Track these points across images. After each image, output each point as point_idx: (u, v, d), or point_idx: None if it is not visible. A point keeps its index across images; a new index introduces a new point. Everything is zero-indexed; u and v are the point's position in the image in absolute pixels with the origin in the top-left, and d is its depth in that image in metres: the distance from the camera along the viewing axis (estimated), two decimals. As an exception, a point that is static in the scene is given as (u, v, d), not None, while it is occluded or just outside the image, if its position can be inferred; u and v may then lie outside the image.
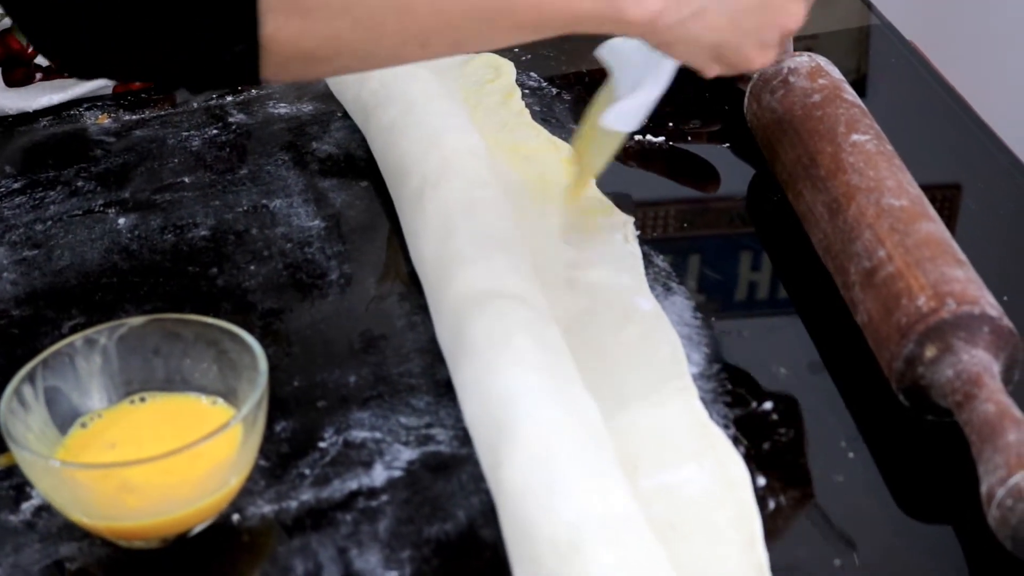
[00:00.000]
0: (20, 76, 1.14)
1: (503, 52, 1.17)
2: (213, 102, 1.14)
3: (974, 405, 0.76)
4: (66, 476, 0.75)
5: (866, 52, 1.18)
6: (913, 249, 0.83)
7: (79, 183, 1.05)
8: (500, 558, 0.74)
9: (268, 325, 0.91)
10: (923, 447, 0.81)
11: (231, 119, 1.12)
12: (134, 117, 1.13)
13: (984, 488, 0.73)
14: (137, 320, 0.81)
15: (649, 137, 1.08)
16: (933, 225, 0.86)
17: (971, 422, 0.76)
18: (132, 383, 0.81)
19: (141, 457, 0.74)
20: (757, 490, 0.78)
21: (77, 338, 0.80)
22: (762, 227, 1.00)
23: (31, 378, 0.78)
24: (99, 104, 1.14)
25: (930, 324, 0.79)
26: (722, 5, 0.82)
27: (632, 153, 1.06)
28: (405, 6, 0.76)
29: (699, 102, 1.11)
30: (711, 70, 0.85)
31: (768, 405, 0.84)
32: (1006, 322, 0.80)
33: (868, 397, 0.84)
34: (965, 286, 0.81)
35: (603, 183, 1.01)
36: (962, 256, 0.84)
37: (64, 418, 0.79)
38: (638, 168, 1.05)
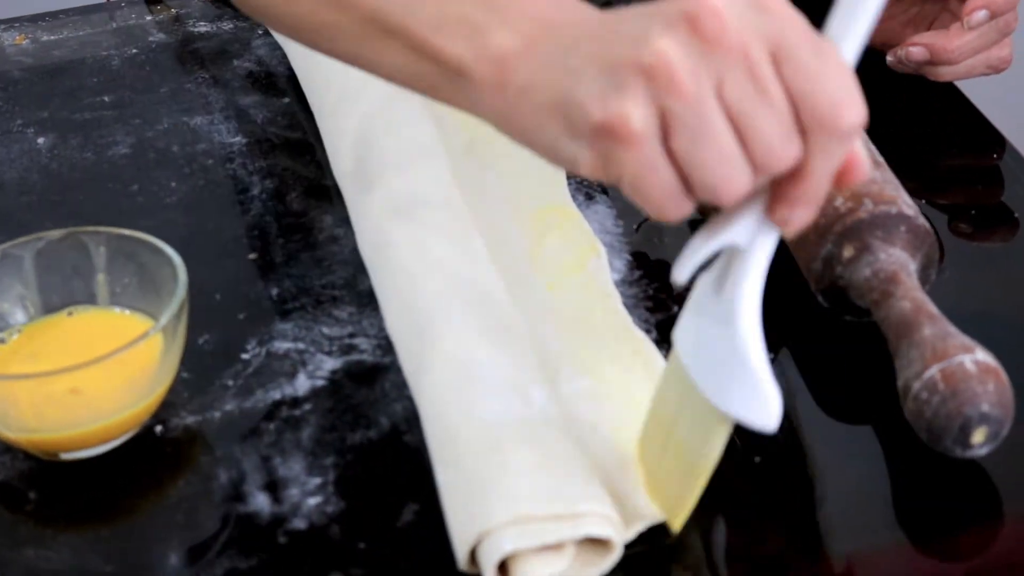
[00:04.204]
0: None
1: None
2: (132, 22, 1.13)
3: (891, 303, 0.77)
4: (-16, 389, 0.75)
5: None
6: (831, 152, 0.84)
7: (-3, 103, 1.05)
8: (423, 462, 0.74)
9: (190, 240, 0.90)
10: (842, 347, 0.82)
11: (151, 38, 1.11)
12: (52, 37, 1.11)
13: (900, 382, 0.74)
14: (55, 233, 0.81)
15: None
16: (851, 128, 0.86)
17: (888, 319, 0.77)
18: (52, 297, 0.81)
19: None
20: (678, 391, 0.78)
21: (-6, 252, 0.80)
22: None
23: (-51, 294, 0.78)
24: (16, 25, 1.13)
25: (847, 224, 0.80)
26: (548, 36, 0.64)
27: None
28: None
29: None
30: (579, 159, 0.63)
31: (689, 309, 0.84)
32: (922, 221, 0.81)
33: (787, 299, 0.85)
34: (882, 187, 0.82)
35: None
36: (879, 158, 0.85)
37: (-17, 333, 0.79)
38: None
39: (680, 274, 0.64)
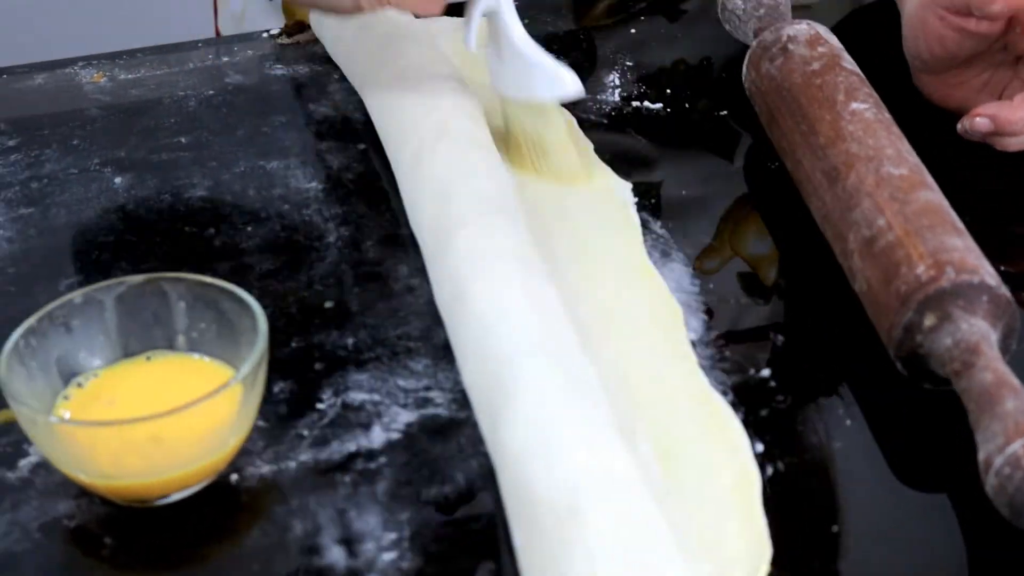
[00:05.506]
0: None
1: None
2: (209, 63, 1.13)
3: (972, 373, 0.77)
4: (64, 433, 0.75)
5: (863, 21, 1.17)
6: (912, 218, 0.84)
7: (75, 141, 1.05)
8: (499, 520, 0.74)
9: (266, 286, 0.91)
10: (920, 416, 0.82)
11: (228, 80, 1.11)
12: (130, 76, 1.12)
13: (982, 456, 0.74)
14: (136, 279, 0.81)
15: (647, 104, 1.07)
16: (932, 194, 0.86)
17: (969, 390, 0.76)
18: (130, 342, 0.81)
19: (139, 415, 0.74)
20: (755, 456, 0.78)
21: (76, 296, 0.80)
22: (759, 195, 1.00)
23: (29, 335, 0.78)
24: (94, 62, 1.13)
25: (929, 293, 0.80)
26: None
27: (629, 119, 1.06)
28: None
29: (698, 70, 1.11)
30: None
31: (766, 372, 0.84)
32: (1004, 291, 0.80)
33: (866, 365, 0.85)
34: (964, 255, 0.81)
35: (600, 149, 1.01)
36: (960, 225, 0.84)
37: (62, 376, 0.79)
38: (635, 134, 1.05)
39: (469, 42, 0.96)
